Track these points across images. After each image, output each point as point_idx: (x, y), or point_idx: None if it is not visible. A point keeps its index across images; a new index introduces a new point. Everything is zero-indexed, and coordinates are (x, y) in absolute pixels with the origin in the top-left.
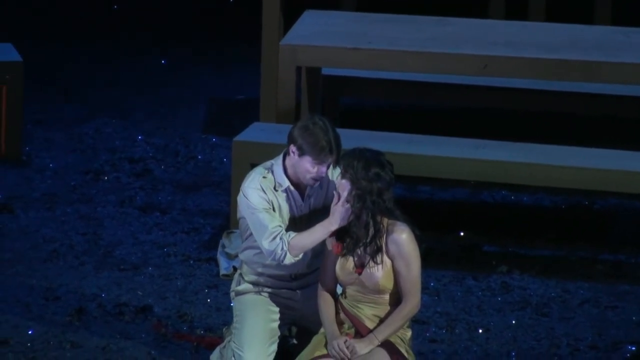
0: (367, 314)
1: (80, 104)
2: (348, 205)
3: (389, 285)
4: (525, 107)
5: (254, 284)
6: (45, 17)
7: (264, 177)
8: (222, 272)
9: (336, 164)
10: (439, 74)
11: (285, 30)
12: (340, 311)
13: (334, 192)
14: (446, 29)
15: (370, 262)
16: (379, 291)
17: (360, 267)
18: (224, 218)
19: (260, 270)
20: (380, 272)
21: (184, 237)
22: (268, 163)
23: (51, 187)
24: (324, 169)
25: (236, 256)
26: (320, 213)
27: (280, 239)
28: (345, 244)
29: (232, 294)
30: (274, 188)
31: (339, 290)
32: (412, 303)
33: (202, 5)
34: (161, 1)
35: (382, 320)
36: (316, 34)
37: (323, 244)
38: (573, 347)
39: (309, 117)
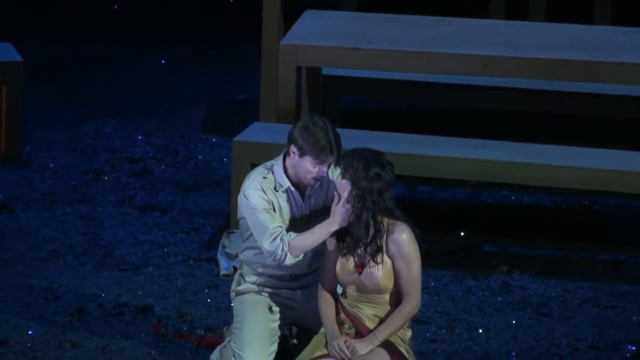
0: (367, 314)
1: (80, 104)
2: (348, 206)
3: (389, 285)
4: (525, 107)
5: (254, 284)
6: (45, 17)
7: (264, 178)
8: (222, 272)
9: (336, 163)
10: (439, 74)
11: (285, 30)
12: (341, 311)
13: (335, 193)
14: (446, 29)
15: (371, 262)
16: (379, 291)
17: (361, 267)
18: (224, 218)
19: (260, 270)
20: (380, 272)
21: (184, 237)
22: (268, 163)
23: (51, 187)
24: (324, 168)
25: (236, 256)
26: (321, 213)
27: (281, 239)
28: (345, 244)
29: (233, 294)
30: (275, 188)
31: (339, 290)
32: (413, 303)
33: (202, 5)
34: (161, 1)
35: (382, 320)
36: (316, 34)
37: (323, 244)
38: (573, 347)
39: (309, 117)
